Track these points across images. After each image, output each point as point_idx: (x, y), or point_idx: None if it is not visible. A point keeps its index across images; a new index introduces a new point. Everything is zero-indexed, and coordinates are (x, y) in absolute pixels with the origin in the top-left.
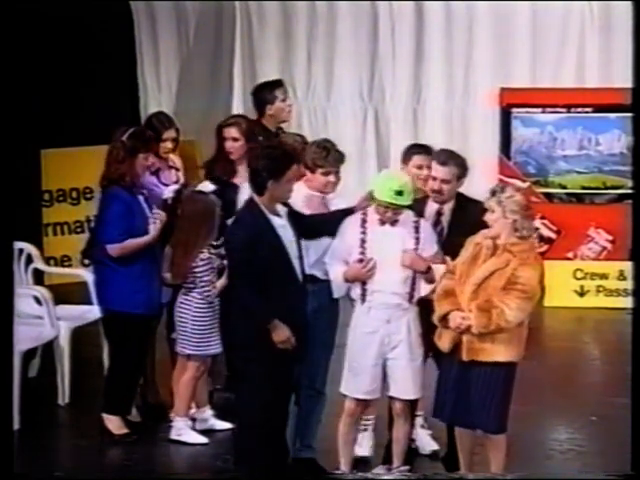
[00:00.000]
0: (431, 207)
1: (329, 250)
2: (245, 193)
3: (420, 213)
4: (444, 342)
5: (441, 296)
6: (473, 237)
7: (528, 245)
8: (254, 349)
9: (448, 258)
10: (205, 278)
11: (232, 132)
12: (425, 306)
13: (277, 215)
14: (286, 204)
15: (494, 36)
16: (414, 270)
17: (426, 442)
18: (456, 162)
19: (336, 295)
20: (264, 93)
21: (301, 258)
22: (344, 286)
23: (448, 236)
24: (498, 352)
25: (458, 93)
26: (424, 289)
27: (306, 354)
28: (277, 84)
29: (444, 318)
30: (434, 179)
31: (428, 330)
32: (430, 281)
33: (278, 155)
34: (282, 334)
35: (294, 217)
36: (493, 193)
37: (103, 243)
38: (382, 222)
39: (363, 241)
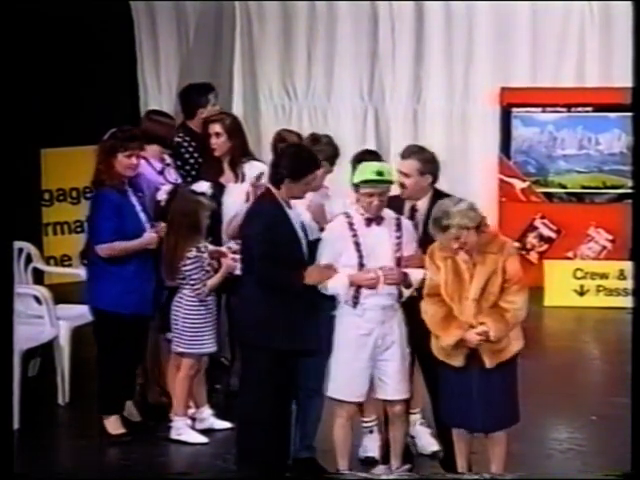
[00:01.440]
0: (408, 205)
1: (319, 258)
2: (231, 194)
3: (399, 210)
4: (457, 359)
5: (443, 325)
6: (432, 252)
7: (501, 239)
8: (257, 345)
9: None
10: (194, 276)
11: (215, 128)
12: (410, 307)
13: (290, 208)
14: None
15: (494, 36)
16: (401, 286)
17: (427, 442)
18: (418, 157)
19: (342, 302)
20: (198, 96)
21: (309, 255)
22: (347, 292)
23: (423, 232)
24: (513, 345)
25: (458, 93)
26: (404, 292)
27: (315, 351)
28: (210, 88)
29: (460, 342)
30: (399, 172)
31: (412, 331)
32: (408, 286)
33: (303, 158)
34: (313, 273)
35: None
36: (442, 227)
37: (94, 244)
38: (368, 222)
39: (358, 244)
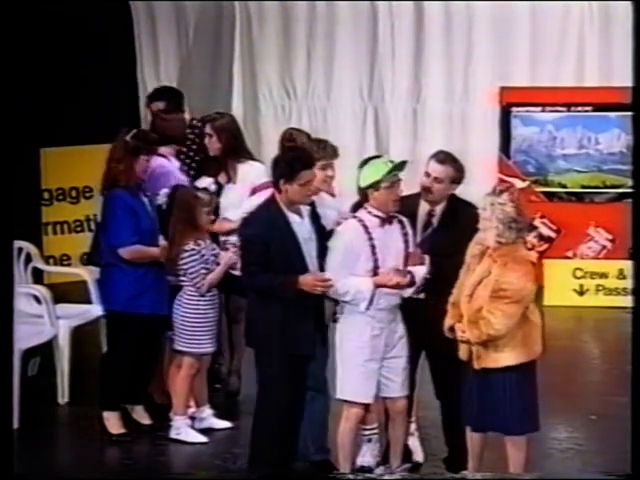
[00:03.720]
0: (423, 207)
1: (334, 265)
2: (227, 195)
3: (412, 211)
4: (462, 351)
5: (449, 308)
6: (472, 243)
7: (509, 248)
8: (269, 346)
9: (427, 256)
10: (191, 270)
11: (207, 128)
12: (417, 304)
13: (297, 213)
14: (311, 204)
15: (494, 35)
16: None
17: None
18: (453, 165)
19: (363, 308)
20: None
21: (319, 257)
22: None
23: (438, 237)
24: (504, 358)
25: (458, 92)
26: (406, 291)
27: (320, 352)
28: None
29: (451, 330)
30: (427, 176)
31: (421, 329)
32: (412, 285)
33: (290, 158)
34: (309, 281)
35: (316, 221)
36: (492, 192)
37: (114, 247)
38: (382, 222)
39: (373, 247)
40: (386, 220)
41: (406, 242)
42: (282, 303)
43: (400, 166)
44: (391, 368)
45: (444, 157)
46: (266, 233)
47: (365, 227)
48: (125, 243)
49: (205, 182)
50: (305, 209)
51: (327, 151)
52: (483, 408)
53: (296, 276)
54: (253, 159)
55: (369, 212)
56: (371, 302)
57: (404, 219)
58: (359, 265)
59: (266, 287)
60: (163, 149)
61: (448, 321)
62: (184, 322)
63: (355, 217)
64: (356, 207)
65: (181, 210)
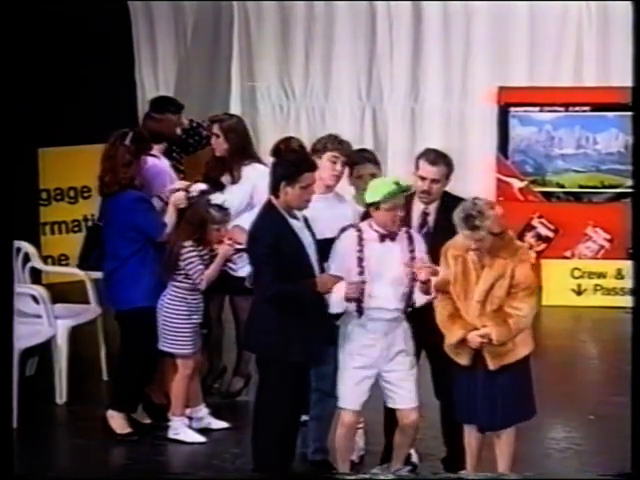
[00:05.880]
0: (417, 207)
1: (330, 270)
2: (231, 193)
3: (405, 212)
4: (463, 358)
5: (448, 322)
6: (447, 249)
7: (515, 245)
8: (272, 359)
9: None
10: (191, 267)
11: (214, 128)
12: (415, 308)
13: (295, 218)
14: None
15: (492, 35)
16: (426, 280)
17: None
18: (445, 162)
19: (335, 310)
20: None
21: (319, 260)
22: (343, 304)
23: (434, 236)
24: (520, 349)
25: (456, 92)
26: (420, 300)
27: (326, 356)
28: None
29: (462, 342)
30: (423, 179)
31: (421, 329)
32: (426, 292)
33: (293, 159)
34: (327, 282)
35: (309, 225)
36: (473, 226)
37: (156, 238)
38: (382, 238)
39: (361, 259)
40: (387, 236)
41: (412, 259)
42: (296, 310)
43: (404, 190)
44: (389, 380)
45: (435, 157)
46: (277, 243)
47: (360, 238)
48: (162, 230)
49: (199, 187)
50: (300, 213)
51: (343, 146)
52: (495, 407)
53: (314, 280)
54: (259, 162)
55: (370, 225)
56: (360, 311)
57: (414, 234)
58: (350, 276)
59: (291, 296)
60: (154, 148)
61: (456, 334)
62: (165, 323)
63: (354, 226)
64: (365, 216)
65: (190, 223)
